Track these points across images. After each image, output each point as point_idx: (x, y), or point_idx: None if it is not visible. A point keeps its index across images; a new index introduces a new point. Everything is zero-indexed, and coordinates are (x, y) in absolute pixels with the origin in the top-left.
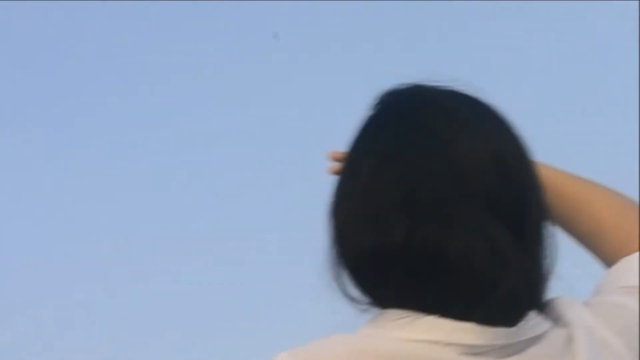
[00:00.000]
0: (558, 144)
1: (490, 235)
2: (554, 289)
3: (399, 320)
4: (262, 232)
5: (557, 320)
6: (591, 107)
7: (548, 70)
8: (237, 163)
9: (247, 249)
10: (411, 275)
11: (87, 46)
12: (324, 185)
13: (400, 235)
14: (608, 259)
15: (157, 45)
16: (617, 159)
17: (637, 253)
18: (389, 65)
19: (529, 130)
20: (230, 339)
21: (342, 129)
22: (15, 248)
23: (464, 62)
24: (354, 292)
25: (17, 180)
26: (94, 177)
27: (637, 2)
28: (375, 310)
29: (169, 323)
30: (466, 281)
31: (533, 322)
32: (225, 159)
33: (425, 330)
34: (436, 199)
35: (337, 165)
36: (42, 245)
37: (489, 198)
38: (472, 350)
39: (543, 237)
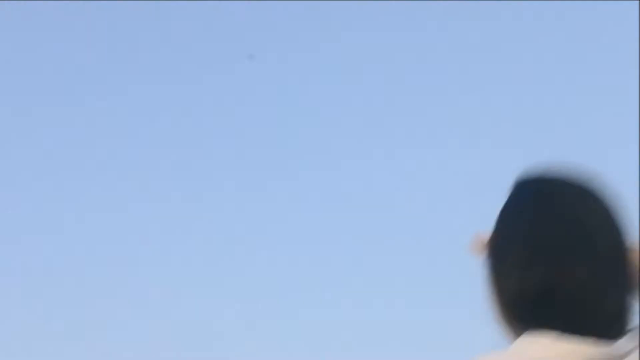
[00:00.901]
0: (556, 139)
1: (601, 281)
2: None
3: (536, 342)
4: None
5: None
6: (591, 106)
7: (548, 70)
8: None
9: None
10: (547, 310)
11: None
12: None
13: (539, 278)
14: None
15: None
16: (617, 158)
17: None
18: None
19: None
20: None
21: None
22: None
23: (462, 64)
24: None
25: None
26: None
27: (637, 2)
28: (515, 332)
29: None
30: (584, 312)
31: (623, 342)
32: None
33: (555, 347)
34: (569, 255)
35: (481, 242)
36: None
37: (604, 255)
38: None
39: (631, 290)
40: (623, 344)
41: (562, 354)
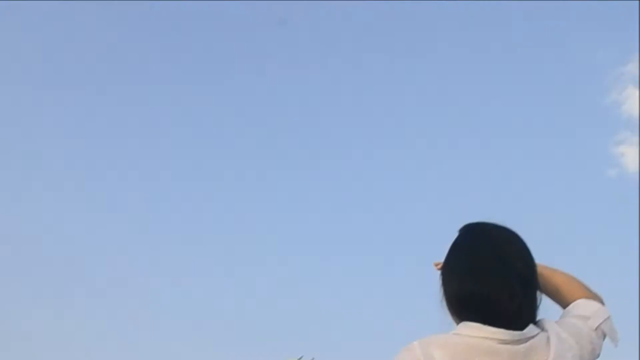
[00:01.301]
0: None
1: (513, 290)
2: (541, 314)
3: (468, 328)
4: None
5: (542, 328)
6: (590, 105)
7: (547, 69)
8: None
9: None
10: (476, 307)
11: None
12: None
13: (471, 287)
14: (564, 304)
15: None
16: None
17: (579, 301)
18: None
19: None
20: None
21: None
22: None
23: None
24: (449, 312)
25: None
26: None
27: (637, 2)
28: (458, 321)
29: None
30: (500, 309)
31: (531, 328)
32: None
33: (480, 331)
34: (491, 272)
35: (439, 264)
36: None
37: (516, 273)
38: (502, 342)
39: (537, 291)
40: (530, 329)
41: (486, 335)
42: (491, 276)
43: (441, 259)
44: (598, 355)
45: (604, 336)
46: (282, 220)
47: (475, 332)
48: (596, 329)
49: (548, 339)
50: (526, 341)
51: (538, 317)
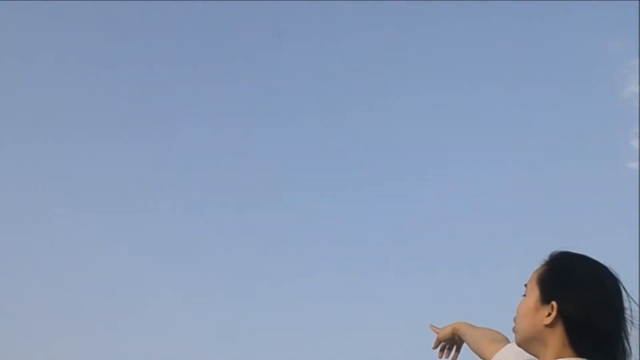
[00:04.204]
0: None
1: (627, 328)
2: None
3: None
4: None
5: None
6: (589, 106)
7: (547, 68)
8: None
9: None
10: (605, 343)
11: None
12: None
13: (608, 324)
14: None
15: None
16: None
17: (498, 352)
18: None
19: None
20: None
21: None
22: None
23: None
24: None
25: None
26: None
27: (637, 2)
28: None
29: None
30: (621, 347)
31: None
32: None
33: None
34: (620, 310)
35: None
36: None
37: (624, 312)
38: None
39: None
40: None
41: None
42: (619, 314)
43: None
44: None
45: None
46: None
47: None
48: None
49: None
50: None
51: None
